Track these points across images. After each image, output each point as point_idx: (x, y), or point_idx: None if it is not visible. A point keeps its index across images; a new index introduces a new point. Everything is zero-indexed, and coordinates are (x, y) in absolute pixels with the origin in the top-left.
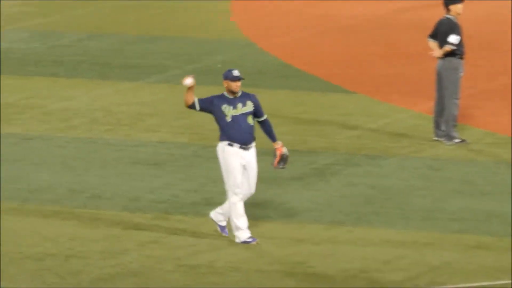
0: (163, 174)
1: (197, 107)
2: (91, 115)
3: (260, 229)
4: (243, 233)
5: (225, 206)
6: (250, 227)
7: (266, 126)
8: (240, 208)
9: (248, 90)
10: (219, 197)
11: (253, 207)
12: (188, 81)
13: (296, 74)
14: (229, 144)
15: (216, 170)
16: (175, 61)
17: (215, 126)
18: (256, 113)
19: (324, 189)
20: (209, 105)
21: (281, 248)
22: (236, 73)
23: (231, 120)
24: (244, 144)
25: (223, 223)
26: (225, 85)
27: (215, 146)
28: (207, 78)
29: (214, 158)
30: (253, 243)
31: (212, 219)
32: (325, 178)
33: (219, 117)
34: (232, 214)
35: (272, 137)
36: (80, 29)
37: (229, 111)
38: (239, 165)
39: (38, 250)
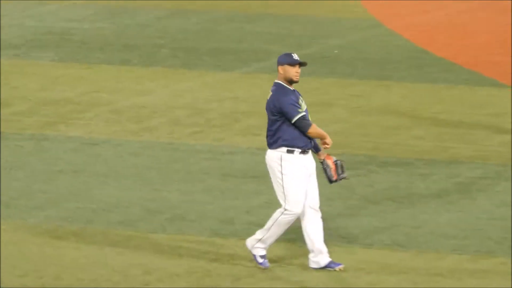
0: (264, 190)
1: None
2: (172, 114)
3: (388, 260)
4: (259, 250)
5: (270, 224)
6: (374, 256)
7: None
8: (287, 225)
9: (373, 84)
10: (334, 219)
11: (378, 232)
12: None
13: (434, 63)
14: (289, 151)
15: (331, 186)
16: (279, 45)
17: (334, 127)
18: None
19: (469, 209)
20: None
21: (414, 284)
22: (296, 56)
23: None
24: (308, 149)
25: (263, 252)
26: (281, 72)
27: (332, 153)
28: (320, 68)
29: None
30: (264, 267)
31: (250, 249)
32: (471, 195)
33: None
34: (272, 224)
35: (316, 146)
36: (159, 4)
37: (303, 107)
38: (304, 175)
39: (104, 285)
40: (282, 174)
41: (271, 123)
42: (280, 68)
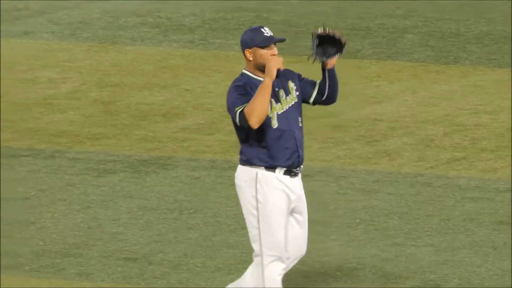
0: None
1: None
2: (422, 131)
3: None
4: None
5: (246, 279)
6: None
7: (331, 79)
8: (280, 282)
9: None
10: None
11: None
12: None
13: None
14: (268, 169)
15: None
16: None
17: None
18: (307, 92)
19: None
20: None
21: None
22: (268, 31)
23: (277, 124)
24: (295, 167)
25: None
26: (249, 58)
27: None
28: None
29: None
30: None
31: None
32: None
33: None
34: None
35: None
36: None
37: (273, 108)
38: (286, 207)
39: None
40: (257, 201)
41: (236, 130)
42: (247, 52)
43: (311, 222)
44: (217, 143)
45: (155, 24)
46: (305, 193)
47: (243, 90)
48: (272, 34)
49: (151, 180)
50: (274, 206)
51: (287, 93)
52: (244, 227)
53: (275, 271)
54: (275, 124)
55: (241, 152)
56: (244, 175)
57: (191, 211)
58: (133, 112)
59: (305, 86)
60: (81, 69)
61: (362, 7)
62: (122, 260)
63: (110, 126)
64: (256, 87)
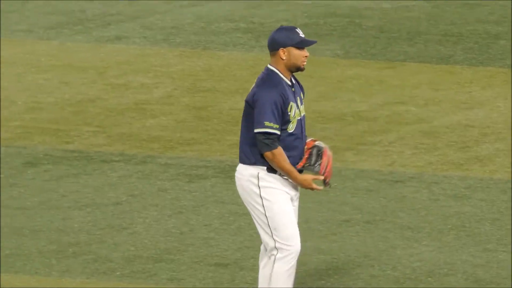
0: None
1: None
2: None
3: None
4: None
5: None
6: None
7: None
8: (292, 275)
9: None
10: None
11: None
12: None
13: None
14: (270, 170)
15: None
16: None
17: None
18: None
19: None
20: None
21: None
22: (301, 33)
23: (293, 129)
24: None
25: None
26: (282, 57)
27: None
28: None
29: None
30: None
31: None
32: None
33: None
34: (280, 283)
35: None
36: None
37: (296, 113)
38: (290, 199)
39: None
40: (262, 198)
41: (246, 126)
42: (281, 51)
43: (403, 227)
44: None
45: (247, 30)
46: (397, 198)
47: (280, 110)
48: (305, 36)
49: None
50: (279, 200)
51: (302, 102)
52: (334, 233)
53: (289, 257)
54: (291, 128)
55: (244, 151)
56: (245, 173)
57: None
58: (225, 118)
59: None
60: (173, 74)
61: (454, 12)
62: (213, 266)
63: (202, 132)
64: (284, 87)
